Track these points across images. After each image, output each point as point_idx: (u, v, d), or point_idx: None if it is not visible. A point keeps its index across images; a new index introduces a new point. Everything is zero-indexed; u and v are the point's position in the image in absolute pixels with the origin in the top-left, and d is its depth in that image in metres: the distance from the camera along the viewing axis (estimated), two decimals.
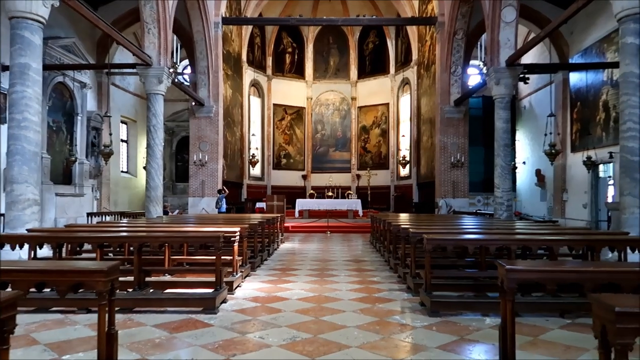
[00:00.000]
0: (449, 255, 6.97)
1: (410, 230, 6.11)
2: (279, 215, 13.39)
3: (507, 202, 13.38)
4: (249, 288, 6.50)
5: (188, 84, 20.70)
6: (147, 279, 5.65)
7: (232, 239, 6.11)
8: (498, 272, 3.15)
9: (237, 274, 6.35)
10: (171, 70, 13.74)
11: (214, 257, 5.43)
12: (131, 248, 5.71)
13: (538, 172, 20.91)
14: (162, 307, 5.08)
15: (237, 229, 6.19)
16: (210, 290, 5.34)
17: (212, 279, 5.42)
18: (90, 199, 18.04)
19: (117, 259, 6.85)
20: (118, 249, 6.13)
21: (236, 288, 6.26)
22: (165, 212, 14.96)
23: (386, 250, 9.13)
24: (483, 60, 13.68)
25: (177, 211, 18.29)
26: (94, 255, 5.96)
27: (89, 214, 15.00)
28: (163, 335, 4.29)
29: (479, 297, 5.35)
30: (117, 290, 5.53)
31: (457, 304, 5.07)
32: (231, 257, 6.36)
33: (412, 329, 4.56)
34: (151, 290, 5.52)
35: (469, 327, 4.55)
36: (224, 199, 17.21)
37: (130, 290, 5.34)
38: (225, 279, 5.86)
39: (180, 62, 24.59)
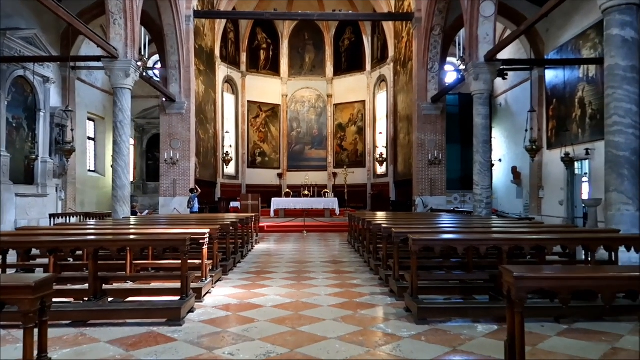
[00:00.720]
0: (433, 256, 6.59)
1: (393, 230, 5.70)
2: (254, 215, 12.87)
3: (486, 200, 13.17)
4: (220, 294, 5.99)
5: (159, 79, 19.93)
6: (107, 286, 5.10)
7: (201, 241, 5.60)
8: (503, 279, 2.76)
9: (206, 279, 5.83)
10: (139, 63, 13.06)
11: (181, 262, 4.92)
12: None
13: (514, 170, 20.90)
14: (121, 319, 4.53)
15: (207, 230, 5.68)
16: (176, 299, 4.82)
17: (179, 285, 4.90)
18: (54, 200, 17.20)
19: (76, 265, 6.27)
20: (71, 254, 5.54)
21: (205, 295, 5.74)
22: (134, 213, 14.26)
23: (366, 250, 8.73)
24: (461, 55, 13.43)
25: (147, 211, 17.56)
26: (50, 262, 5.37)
27: (52, 215, 14.19)
28: (118, 353, 3.75)
29: (469, 302, 4.99)
30: (73, 301, 4.99)
31: (446, 309, 4.68)
32: (200, 261, 5.84)
33: (400, 339, 4.13)
34: (110, 300, 4.97)
35: (460, 337, 4.16)
36: (196, 199, 16.58)
37: (86, 299, 4.78)
38: (193, 285, 5.35)
39: (150, 57, 23.83)
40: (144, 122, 23.57)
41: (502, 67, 13.23)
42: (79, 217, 15.68)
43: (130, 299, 5.20)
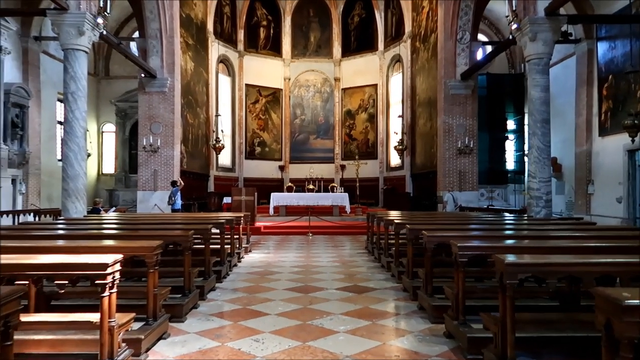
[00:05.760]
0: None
1: (505, 261, 2.71)
2: (244, 214, 9.84)
3: (545, 196, 10.22)
4: None
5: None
6: None
7: (100, 281, 2.62)
8: None
9: (114, 357, 2.83)
10: (99, 20, 10.08)
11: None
12: None
13: (554, 161, 17.82)
14: None
15: (110, 259, 2.64)
16: None
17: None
18: (10, 194, 14.40)
19: None
20: None
21: None
22: (96, 210, 11.31)
23: (406, 274, 5.70)
24: (513, 9, 10.38)
25: (113, 209, 14.55)
26: None
27: None
28: None
29: None
30: None
31: None
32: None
33: None
34: None
35: None
36: (178, 193, 13.61)
37: None
38: None
39: (133, 32, 20.80)
40: (126, 106, 20.59)
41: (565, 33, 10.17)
42: (36, 215, 12.80)
43: None
